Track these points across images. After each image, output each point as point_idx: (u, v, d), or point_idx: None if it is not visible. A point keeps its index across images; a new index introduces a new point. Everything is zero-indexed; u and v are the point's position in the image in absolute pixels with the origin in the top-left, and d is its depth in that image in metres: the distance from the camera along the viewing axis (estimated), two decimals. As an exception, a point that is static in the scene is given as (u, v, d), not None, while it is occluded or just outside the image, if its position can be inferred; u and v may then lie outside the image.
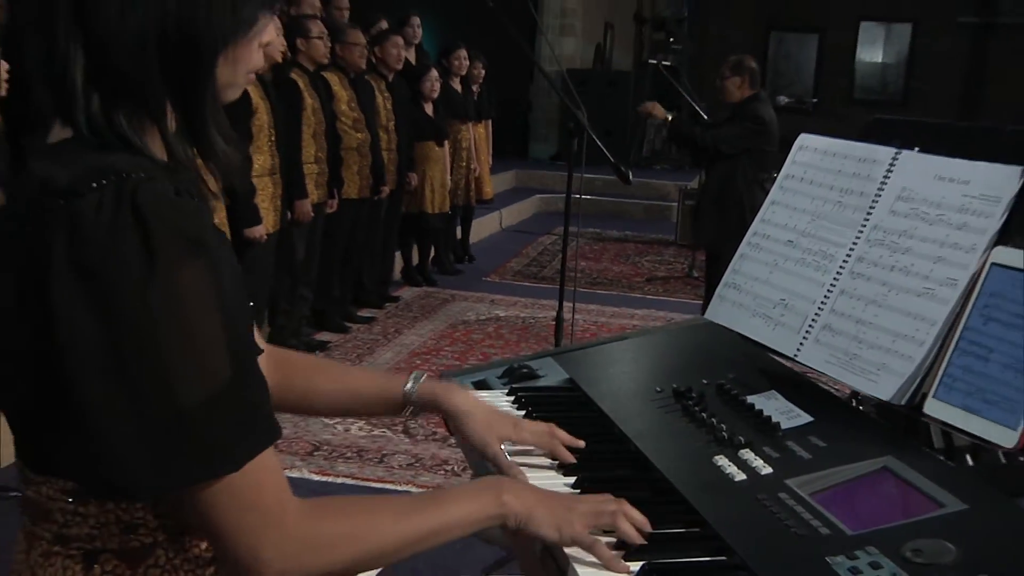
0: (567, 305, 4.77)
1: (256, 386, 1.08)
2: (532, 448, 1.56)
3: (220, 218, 4.69)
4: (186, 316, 0.99)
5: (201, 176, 1.15)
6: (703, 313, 6.80)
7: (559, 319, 4.62)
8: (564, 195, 4.47)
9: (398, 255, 8.03)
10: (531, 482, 1.47)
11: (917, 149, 1.74)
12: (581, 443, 1.55)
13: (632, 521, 1.30)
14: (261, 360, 1.43)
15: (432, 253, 8.51)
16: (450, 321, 7.12)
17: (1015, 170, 1.56)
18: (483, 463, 1.57)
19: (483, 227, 10.30)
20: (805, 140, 1.96)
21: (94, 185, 0.99)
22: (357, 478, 4.38)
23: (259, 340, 1.43)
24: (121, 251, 0.97)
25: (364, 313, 7.01)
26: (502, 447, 1.51)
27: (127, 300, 0.97)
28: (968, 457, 1.69)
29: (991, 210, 1.56)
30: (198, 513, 1.06)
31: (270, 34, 1.14)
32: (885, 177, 1.75)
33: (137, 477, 1.02)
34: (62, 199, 0.99)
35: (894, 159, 1.75)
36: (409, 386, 1.51)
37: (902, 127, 1.83)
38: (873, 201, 1.74)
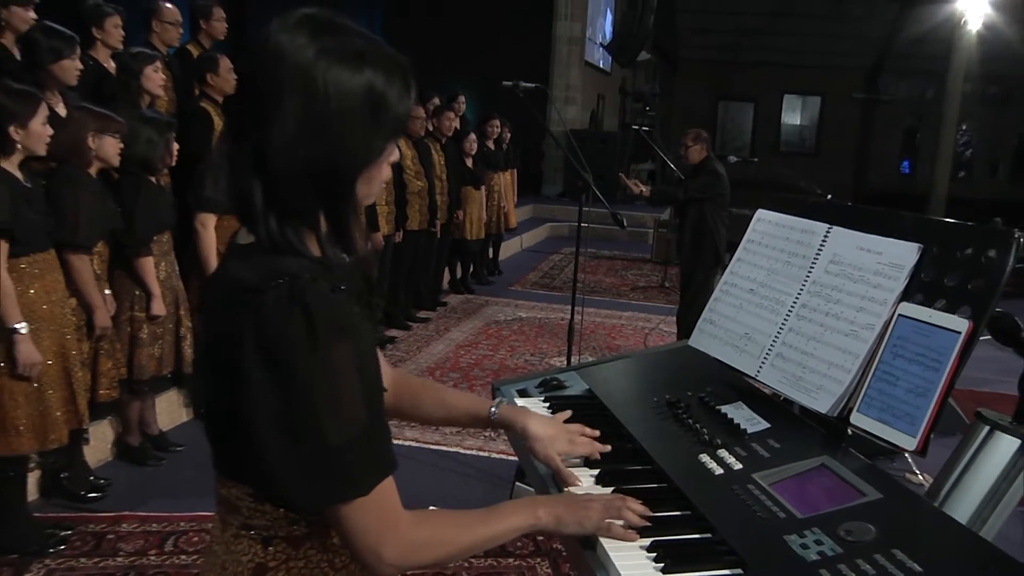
0: (574, 308, 4.74)
1: (382, 431, 1.09)
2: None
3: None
4: (337, 382, 1.01)
5: (347, 265, 1.16)
6: (676, 316, 6.78)
7: (571, 322, 4.62)
8: (569, 223, 4.47)
9: (447, 271, 8.06)
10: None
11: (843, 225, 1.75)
12: (607, 448, 1.55)
13: (634, 511, 1.31)
14: (386, 381, 1.43)
15: (471, 269, 8.53)
16: (485, 321, 7.13)
17: (914, 246, 1.56)
18: (526, 455, 1.57)
19: (509, 248, 10.30)
20: (762, 214, 1.93)
21: (272, 285, 1.01)
22: (420, 441, 4.41)
23: (386, 367, 1.38)
24: (292, 335, 0.99)
25: (421, 315, 7.02)
26: (560, 459, 1.50)
27: (295, 370, 0.99)
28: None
29: (897, 274, 1.56)
30: (336, 520, 1.08)
31: (396, 155, 1.13)
32: (821, 245, 1.73)
33: (298, 496, 1.05)
34: (250, 294, 1.01)
35: (827, 232, 1.73)
36: (493, 411, 1.51)
37: (833, 208, 1.84)
38: (812, 263, 1.73)
